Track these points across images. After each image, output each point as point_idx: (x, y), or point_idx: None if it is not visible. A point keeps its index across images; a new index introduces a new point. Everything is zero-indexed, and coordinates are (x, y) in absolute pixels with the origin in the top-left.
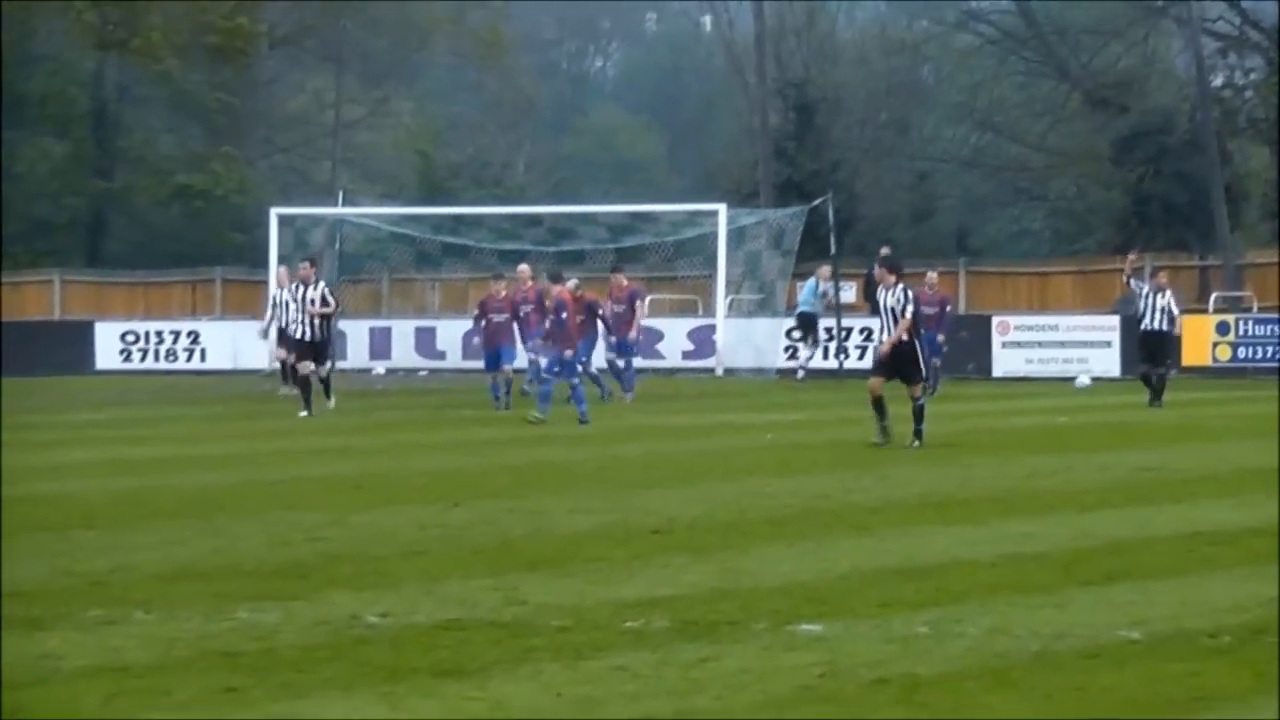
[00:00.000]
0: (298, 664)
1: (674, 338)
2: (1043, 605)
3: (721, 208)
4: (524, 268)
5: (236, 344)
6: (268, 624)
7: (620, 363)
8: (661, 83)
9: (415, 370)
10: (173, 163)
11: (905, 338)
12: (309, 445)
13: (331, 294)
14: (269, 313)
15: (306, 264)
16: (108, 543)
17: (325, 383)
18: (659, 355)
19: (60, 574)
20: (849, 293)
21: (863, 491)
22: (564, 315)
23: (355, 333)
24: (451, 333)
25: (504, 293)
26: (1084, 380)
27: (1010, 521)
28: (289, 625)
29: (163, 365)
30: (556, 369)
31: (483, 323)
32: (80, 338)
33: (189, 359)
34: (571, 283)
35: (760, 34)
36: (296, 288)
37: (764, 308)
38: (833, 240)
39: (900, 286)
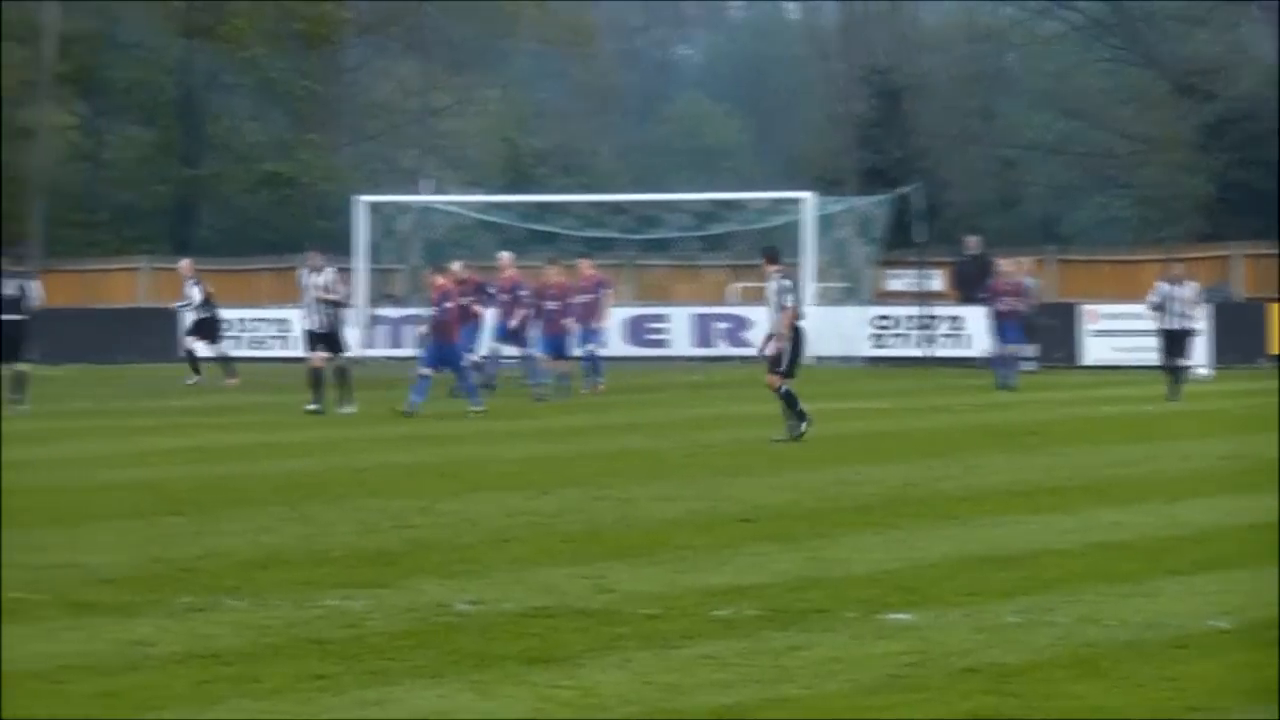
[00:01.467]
0: (386, 651)
1: (761, 325)
2: (1132, 594)
3: (808, 195)
4: (505, 255)
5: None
6: (356, 611)
7: (591, 351)
8: (746, 70)
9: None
10: (259, 150)
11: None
12: (397, 432)
13: (342, 281)
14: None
15: (315, 251)
16: (197, 529)
17: (343, 377)
18: (745, 343)
19: (150, 561)
20: (937, 281)
21: (951, 480)
22: (447, 305)
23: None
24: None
25: (560, 278)
26: (1204, 371)
27: (1099, 510)
28: (378, 612)
29: (250, 352)
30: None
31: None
32: (168, 325)
33: (277, 346)
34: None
35: (846, 21)
36: (309, 274)
37: (851, 296)
38: (922, 227)
39: (780, 276)
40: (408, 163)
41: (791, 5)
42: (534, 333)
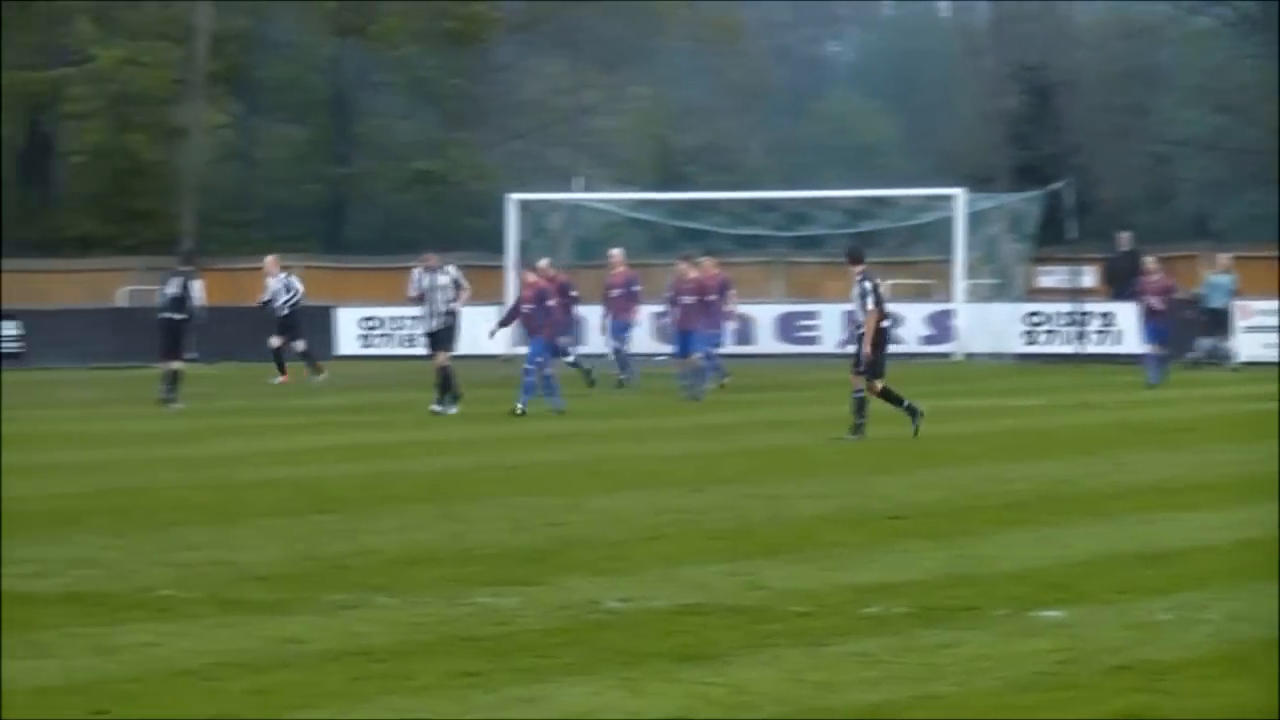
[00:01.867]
0: (537, 649)
1: (912, 322)
2: None
3: (959, 192)
4: (616, 251)
5: (475, 329)
6: (507, 609)
7: (618, 346)
8: (897, 66)
9: (653, 355)
10: (411, 149)
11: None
12: (545, 430)
13: (459, 281)
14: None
15: (430, 252)
16: (348, 527)
17: (446, 378)
18: (897, 340)
19: (302, 558)
20: (1089, 277)
21: (1101, 477)
22: (549, 304)
23: (593, 318)
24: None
25: (693, 275)
26: None
27: (1250, 507)
28: (528, 610)
29: (402, 350)
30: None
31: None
32: (321, 323)
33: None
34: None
35: (997, 17)
36: (425, 275)
37: (1002, 292)
38: (1073, 224)
39: (862, 278)
40: (558, 161)
41: (943, 4)
42: (670, 330)
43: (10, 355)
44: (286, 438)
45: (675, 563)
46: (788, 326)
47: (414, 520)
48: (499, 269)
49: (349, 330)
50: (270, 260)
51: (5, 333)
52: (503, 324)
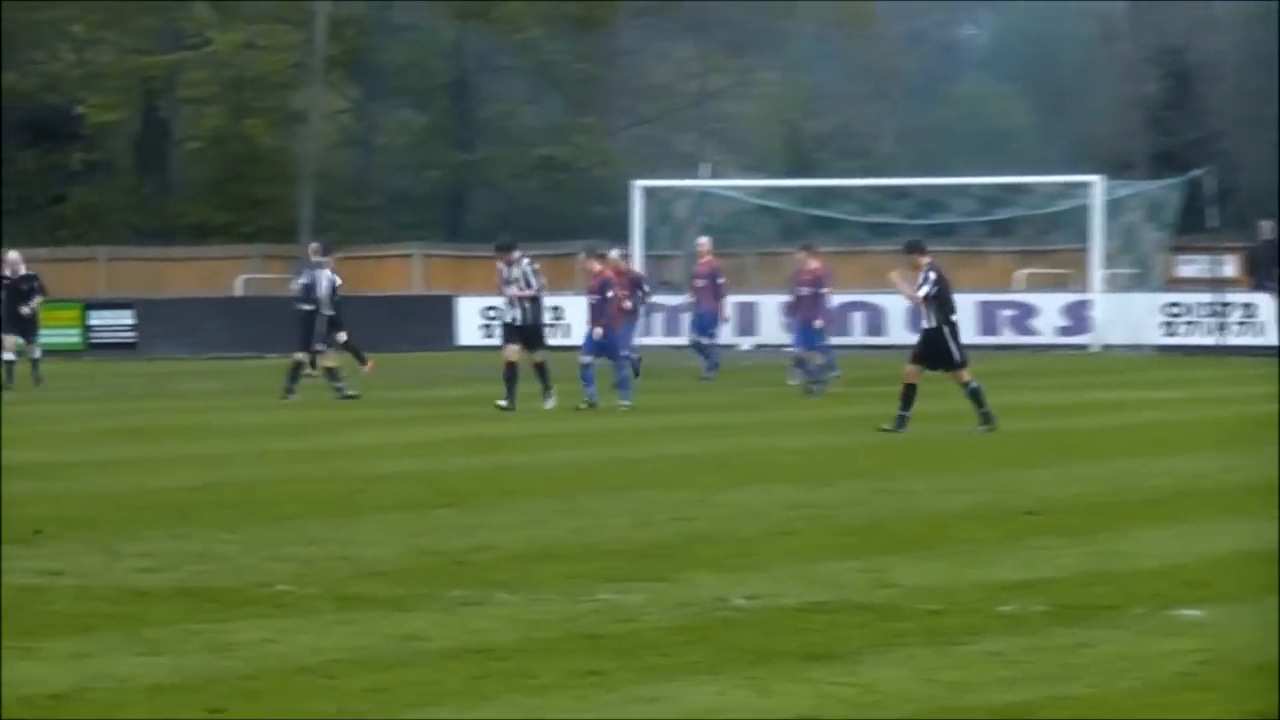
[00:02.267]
0: (662, 647)
1: (1048, 313)
2: None
3: (1097, 179)
4: (704, 240)
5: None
6: (631, 606)
7: (700, 340)
8: (1033, 50)
9: (781, 346)
10: (534, 134)
11: (930, 324)
12: (672, 422)
13: (536, 274)
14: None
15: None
16: (469, 522)
17: (542, 372)
18: (1033, 332)
19: (422, 553)
20: (1230, 267)
21: (1240, 471)
22: (609, 294)
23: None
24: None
25: (813, 264)
26: None
27: None
28: (653, 607)
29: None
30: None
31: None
32: (442, 313)
33: (555, 335)
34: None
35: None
36: (505, 268)
37: (1140, 282)
38: (1214, 212)
39: (928, 268)
40: (685, 147)
41: None
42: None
43: (124, 345)
44: (406, 430)
45: (804, 559)
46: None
47: (536, 515)
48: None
49: (470, 320)
50: (313, 247)
51: (119, 322)
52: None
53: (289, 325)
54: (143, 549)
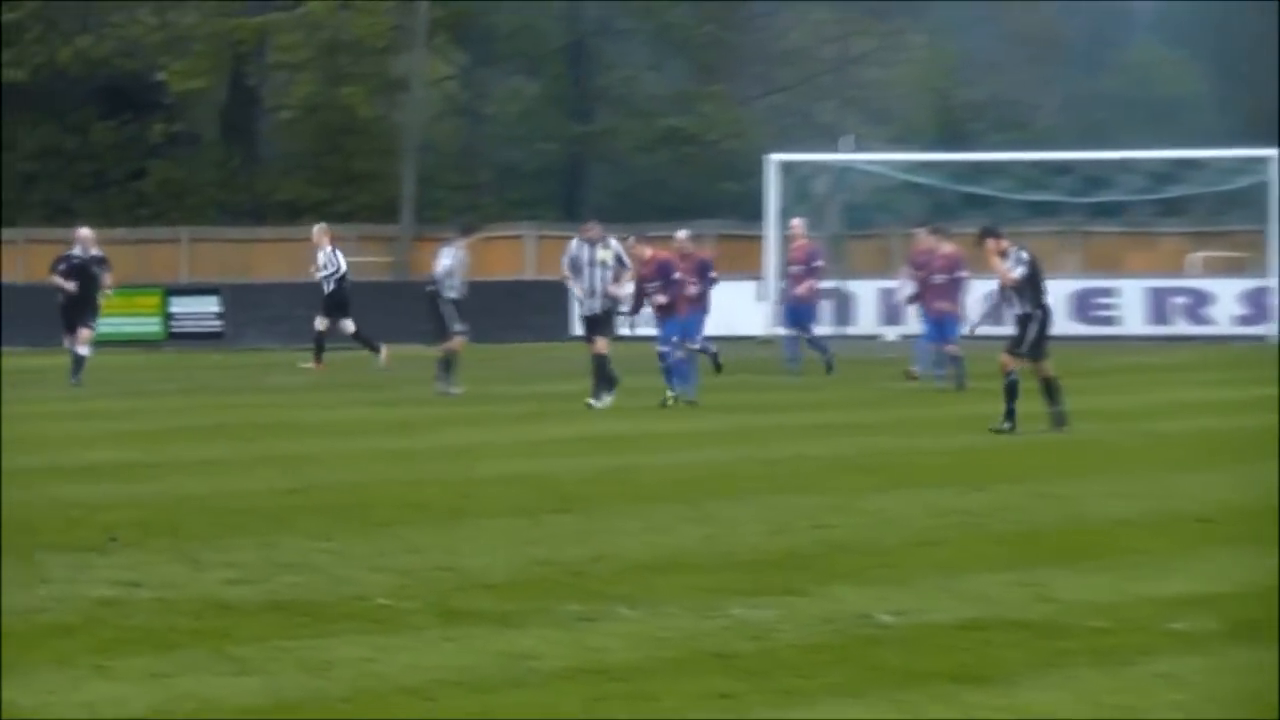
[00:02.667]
0: (799, 667)
1: (1224, 300)
2: None
3: (1275, 153)
4: (797, 221)
5: (731, 306)
6: (765, 622)
7: (795, 332)
8: (1206, 13)
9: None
10: (659, 103)
11: (1023, 309)
12: (810, 421)
13: (627, 254)
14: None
15: (594, 221)
16: (586, 529)
17: (602, 367)
18: (1208, 321)
19: (535, 564)
20: None
21: None
22: (675, 278)
23: (864, 294)
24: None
25: (946, 248)
26: None
27: None
28: (789, 623)
29: (646, 331)
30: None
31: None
32: (555, 300)
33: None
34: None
35: None
36: (585, 247)
37: None
38: None
39: (1013, 251)
40: (825, 117)
41: None
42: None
43: (208, 334)
44: (516, 428)
45: (954, 571)
46: (1084, 304)
47: (660, 521)
48: (756, 239)
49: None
50: (318, 230)
51: (203, 309)
52: (634, 310)
53: (387, 312)
54: (229, 558)
